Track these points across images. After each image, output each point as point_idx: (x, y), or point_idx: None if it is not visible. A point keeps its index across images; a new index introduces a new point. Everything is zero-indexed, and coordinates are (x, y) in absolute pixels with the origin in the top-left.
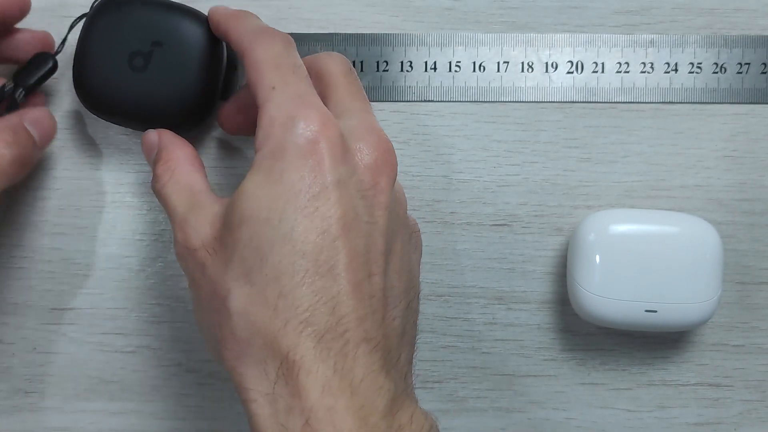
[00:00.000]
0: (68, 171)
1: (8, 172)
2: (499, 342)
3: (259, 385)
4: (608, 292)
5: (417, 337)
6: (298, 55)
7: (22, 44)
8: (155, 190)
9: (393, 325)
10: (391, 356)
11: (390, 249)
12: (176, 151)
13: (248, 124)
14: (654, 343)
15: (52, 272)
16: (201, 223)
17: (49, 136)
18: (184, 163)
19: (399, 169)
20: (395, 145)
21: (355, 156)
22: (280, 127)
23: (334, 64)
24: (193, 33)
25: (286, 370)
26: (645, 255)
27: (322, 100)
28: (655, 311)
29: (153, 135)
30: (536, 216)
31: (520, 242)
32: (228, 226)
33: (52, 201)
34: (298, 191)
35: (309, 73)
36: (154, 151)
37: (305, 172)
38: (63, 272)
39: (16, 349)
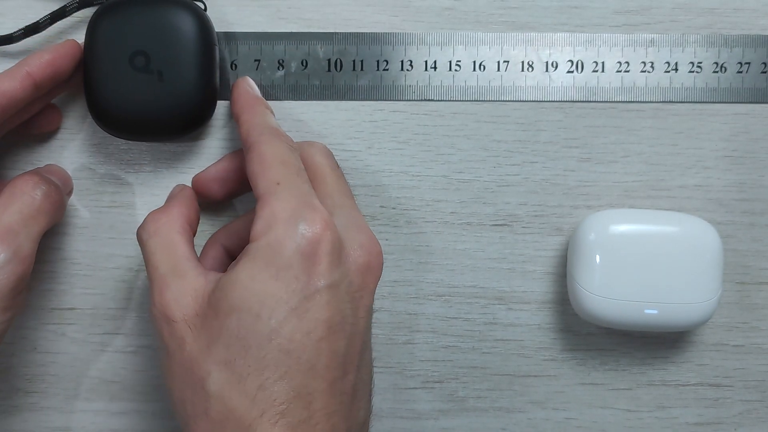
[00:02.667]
0: (68, 171)
1: (50, 216)
2: (499, 342)
3: None
4: (608, 292)
5: (417, 337)
6: (300, 160)
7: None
8: (139, 236)
9: (358, 416)
10: None
11: (365, 347)
12: (176, 207)
13: (222, 192)
14: (654, 343)
15: (52, 272)
16: (183, 293)
17: (69, 185)
18: (175, 222)
19: (399, 169)
20: (395, 145)
21: (349, 257)
22: (283, 223)
23: (320, 155)
24: (189, 33)
25: None
26: (645, 255)
27: None
28: (655, 311)
29: (176, 186)
30: (536, 216)
31: (520, 242)
32: (215, 310)
33: None
34: (292, 291)
35: None
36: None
37: (301, 273)
38: (63, 272)
39: (16, 349)
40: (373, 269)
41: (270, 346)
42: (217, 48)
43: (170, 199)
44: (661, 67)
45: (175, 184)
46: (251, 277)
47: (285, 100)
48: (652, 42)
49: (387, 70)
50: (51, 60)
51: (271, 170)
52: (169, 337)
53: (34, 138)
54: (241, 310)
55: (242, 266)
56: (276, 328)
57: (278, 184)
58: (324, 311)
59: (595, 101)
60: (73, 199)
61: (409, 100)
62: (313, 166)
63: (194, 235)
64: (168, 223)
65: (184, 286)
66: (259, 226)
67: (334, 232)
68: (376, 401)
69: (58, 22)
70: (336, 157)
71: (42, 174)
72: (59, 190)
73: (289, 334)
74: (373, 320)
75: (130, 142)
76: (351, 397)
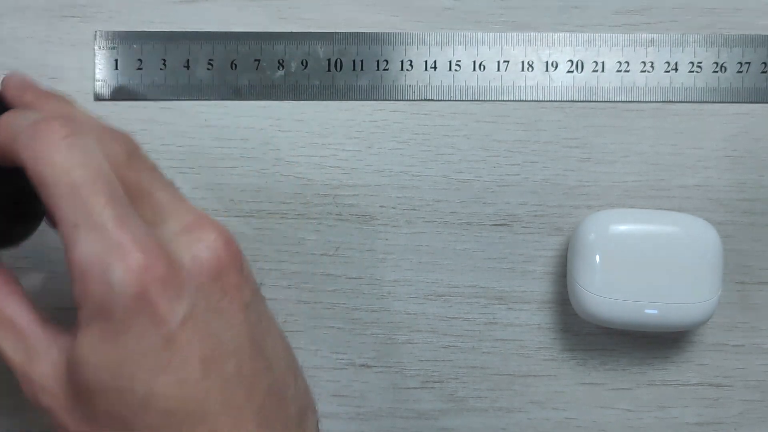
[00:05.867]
0: None
1: None
2: (499, 342)
3: None
4: (608, 291)
5: (416, 336)
6: (95, 144)
7: None
8: None
9: (289, 411)
10: None
11: (263, 340)
12: None
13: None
14: (654, 343)
15: (52, 272)
16: (45, 378)
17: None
18: (6, 296)
19: (399, 169)
20: (395, 145)
21: (193, 273)
22: (97, 283)
23: (111, 149)
24: None
25: None
26: (645, 255)
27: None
28: (655, 311)
29: None
30: (536, 216)
31: (520, 242)
32: (78, 394)
33: None
34: (142, 352)
35: None
36: None
37: (142, 329)
38: (64, 272)
39: None
40: (228, 265)
41: (149, 416)
42: None
43: None
44: (661, 66)
45: None
46: (92, 351)
47: (285, 100)
48: (652, 42)
49: (387, 70)
50: None
51: (62, 208)
52: (57, 427)
53: None
54: (101, 391)
55: (79, 342)
56: (146, 395)
57: (76, 226)
58: (189, 350)
59: (595, 101)
60: None
61: (409, 100)
62: (109, 158)
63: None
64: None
65: (43, 368)
66: (76, 291)
67: (159, 263)
68: (376, 401)
69: None
70: (336, 158)
71: None
72: None
73: (163, 393)
74: (372, 320)
75: None
76: (274, 403)
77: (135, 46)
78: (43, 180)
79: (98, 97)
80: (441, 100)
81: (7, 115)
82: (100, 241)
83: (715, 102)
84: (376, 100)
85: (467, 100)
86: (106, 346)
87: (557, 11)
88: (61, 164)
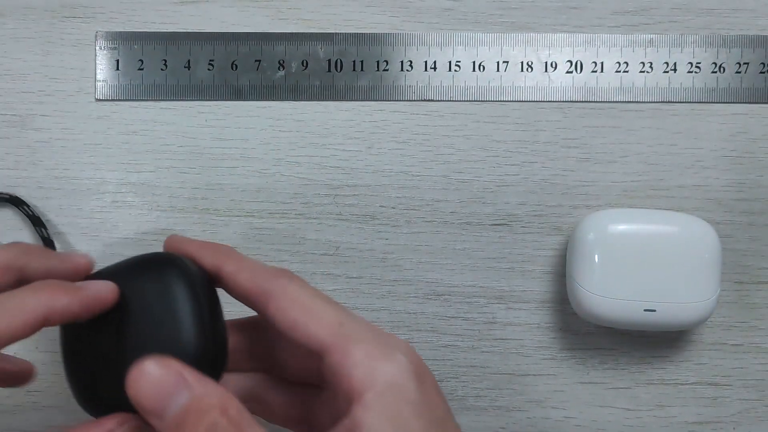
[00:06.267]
0: (68, 171)
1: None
2: (498, 341)
3: None
4: (607, 291)
5: (416, 336)
6: None
7: None
8: None
9: None
10: None
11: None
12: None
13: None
14: (653, 342)
15: None
16: None
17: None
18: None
19: (399, 169)
20: (395, 145)
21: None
22: (384, 359)
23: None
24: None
25: None
26: (644, 254)
27: None
28: (654, 310)
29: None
30: (536, 216)
31: (519, 242)
32: None
33: (53, 200)
34: (437, 419)
35: None
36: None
37: (433, 396)
38: None
39: (17, 348)
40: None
41: None
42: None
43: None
44: (659, 67)
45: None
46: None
47: (285, 100)
48: (651, 42)
49: (387, 70)
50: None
51: (325, 312)
52: None
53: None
54: None
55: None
56: None
57: (341, 324)
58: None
59: (594, 101)
60: (74, 199)
61: (409, 101)
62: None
63: None
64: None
65: None
66: (358, 377)
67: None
68: None
69: None
70: (336, 158)
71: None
72: None
73: None
74: (373, 319)
75: (131, 141)
76: None
77: (136, 46)
78: (298, 297)
79: (99, 98)
80: (441, 101)
81: (239, 259)
82: (365, 326)
83: (713, 102)
84: (376, 100)
85: (467, 101)
86: (407, 418)
87: (556, 12)
88: (303, 284)
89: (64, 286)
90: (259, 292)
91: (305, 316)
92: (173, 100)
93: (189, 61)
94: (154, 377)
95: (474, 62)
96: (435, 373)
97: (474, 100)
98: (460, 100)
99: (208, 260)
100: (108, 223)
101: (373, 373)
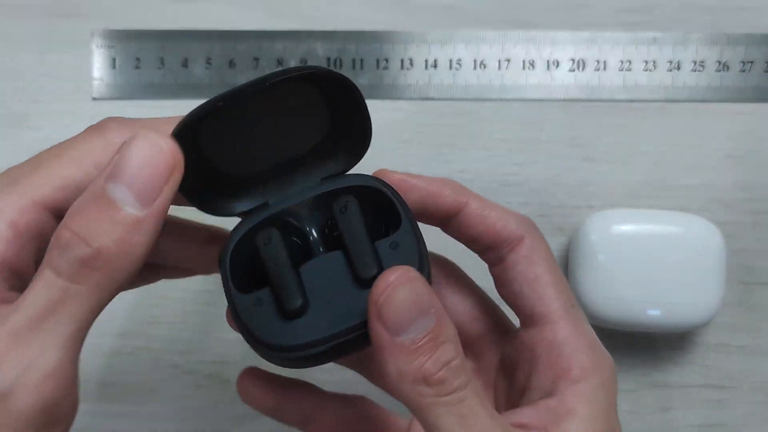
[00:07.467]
0: None
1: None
2: None
3: None
4: (610, 292)
5: None
6: None
7: None
8: None
9: None
10: None
11: None
12: None
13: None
14: (657, 344)
15: None
16: None
17: None
18: None
19: (399, 168)
20: (395, 145)
21: None
22: (604, 358)
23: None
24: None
25: None
26: (647, 255)
27: None
28: (658, 312)
29: None
30: (538, 216)
31: None
32: None
33: None
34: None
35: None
36: None
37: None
38: None
39: None
40: None
41: None
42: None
43: None
44: (663, 65)
45: None
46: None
47: None
48: (654, 40)
49: (387, 68)
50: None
51: (563, 285)
52: None
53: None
54: None
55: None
56: None
57: (573, 306)
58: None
59: (597, 100)
60: None
61: (410, 99)
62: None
63: None
64: None
65: None
66: (579, 363)
67: None
68: (375, 400)
69: None
70: None
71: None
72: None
73: None
74: None
75: None
76: None
77: (133, 44)
78: (550, 266)
79: (96, 96)
80: (441, 99)
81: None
82: (581, 320)
83: (717, 101)
84: (376, 98)
85: (468, 99)
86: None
87: (558, 9)
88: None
89: None
90: (504, 236)
91: (547, 277)
92: (170, 98)
93: (186, 59)
94: (407, 294)
95: (475, 60)
96: None
97: (475, 99)
98: (461, 99)
99: (449, 194)
100: None
101: (594, 366)
